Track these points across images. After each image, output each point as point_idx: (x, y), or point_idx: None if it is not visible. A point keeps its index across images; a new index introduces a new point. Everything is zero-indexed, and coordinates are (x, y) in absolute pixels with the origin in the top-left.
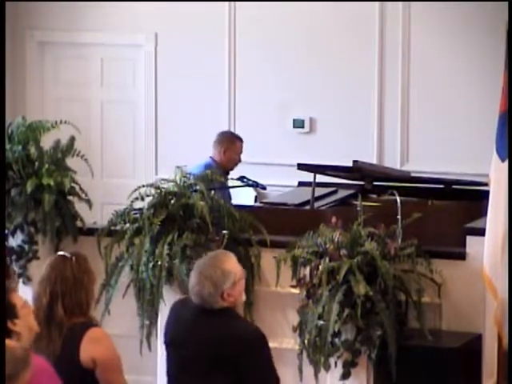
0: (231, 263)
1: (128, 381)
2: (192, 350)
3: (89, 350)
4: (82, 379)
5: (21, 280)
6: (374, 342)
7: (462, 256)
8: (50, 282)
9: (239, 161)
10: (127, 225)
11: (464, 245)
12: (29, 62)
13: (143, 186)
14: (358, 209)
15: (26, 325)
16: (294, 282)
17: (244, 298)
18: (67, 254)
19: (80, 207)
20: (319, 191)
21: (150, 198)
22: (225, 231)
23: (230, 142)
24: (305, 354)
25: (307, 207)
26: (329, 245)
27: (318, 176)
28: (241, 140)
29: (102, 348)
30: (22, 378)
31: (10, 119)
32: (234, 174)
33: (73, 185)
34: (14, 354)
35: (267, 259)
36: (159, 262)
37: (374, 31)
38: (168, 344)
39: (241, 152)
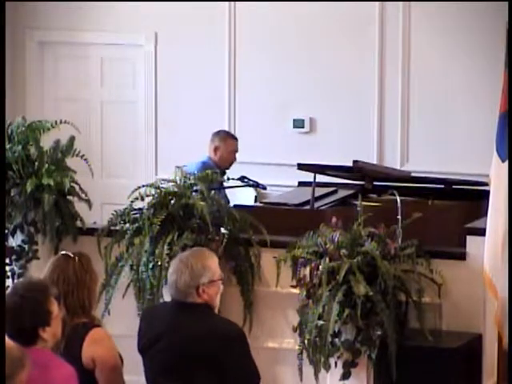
0: (213, 261)
1: (128, 381)
2: (172, 350)
3: (89, 350)
4: (84, 380)
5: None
6: (374, 342)
7: (462, 256)
8: (52, 281)
9: (234, 159)
10: (127, 225)
11: (464, 245)
12: (29, 61)
13: (143, 185)
14: (358, 209)
15: (53, 333)
16: (294, 282)
17: (218, 303)
18: (70, 254)
19: (80, 207)
20: (319, 191)
21: (150, 198)
22: (225, 231)
23: (221, 140)
24: (305, 354)
25: (307, 207)
26: (329, 245)
27: (318, 176)
28: (234, 138)
29: (102, 348)
30: (19, 378)
31: (9, 119)
32: (234, 174)
33: (73, 185)
34: (11, 354)
35: (267, 259)
36: (159, 262)
37: (374, 31)
38: (144, 350)
39: (235, 150)
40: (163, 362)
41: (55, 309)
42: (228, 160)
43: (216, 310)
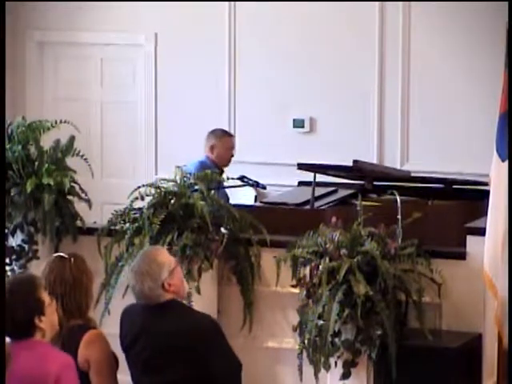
0: (162, 254)
1: (127, 381)
2: (150, 350)
3: (84, 352)
4: (80, 381)
5: None
6: (374, 342)
7: (462, 256)
8: (49, 283)
9: (231, 156)
10: (127, 225)
11: (464, 245)
12: (29, 62)
13: (143, 185)
14: (358, 209)
15: (49, 322)
16: (294, 282)
17: (187, 287)
18: (65, 255)
19: (80, 207)
20: (319, 191)
21: (150, 197)
22: (225, 231)
23: (217, 138)
24: (305, 354)
25: (307, 207)
26: (329, 244)
27: (317, 176)
28: (230, 135)
29: (96, 350)
30: (7, 371)
31: (9, 119)
32: (234, 173)
33: (73, 184)
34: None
35: (267, 259)
36: None
37: (374, 31)
38: (126, 350)
39: (231, 147)
40: (143, 361)
41: (47, 298)
42: (225, 157)
43: (185, 294)
